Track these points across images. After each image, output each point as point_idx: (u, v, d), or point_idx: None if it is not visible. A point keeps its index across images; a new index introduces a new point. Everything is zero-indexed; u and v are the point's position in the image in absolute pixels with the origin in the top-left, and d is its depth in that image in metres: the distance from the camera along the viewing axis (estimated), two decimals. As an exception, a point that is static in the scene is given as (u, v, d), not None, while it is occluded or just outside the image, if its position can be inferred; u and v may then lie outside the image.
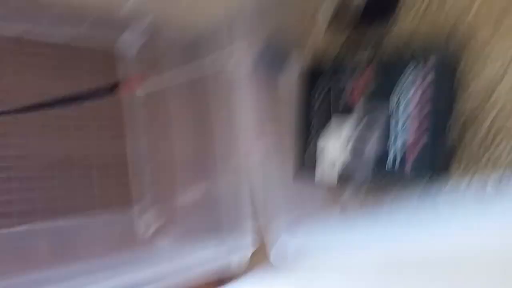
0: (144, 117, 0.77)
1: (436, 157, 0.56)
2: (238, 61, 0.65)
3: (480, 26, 0.56)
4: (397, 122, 0.57)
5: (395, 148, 0.58)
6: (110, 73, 0.74)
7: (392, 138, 0.58)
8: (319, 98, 0.67)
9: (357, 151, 0.62)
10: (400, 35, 0.62)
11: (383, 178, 0.59)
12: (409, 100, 0.56)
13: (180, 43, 0.73)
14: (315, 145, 0.67)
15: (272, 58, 0.71)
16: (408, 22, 0.62)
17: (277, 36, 0.72)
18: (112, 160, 0.74)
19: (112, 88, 0.68)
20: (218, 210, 0.67)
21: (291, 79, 0.71)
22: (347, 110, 0.63)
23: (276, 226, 0.64)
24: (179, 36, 0.74)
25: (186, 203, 0.72)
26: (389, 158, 0.58)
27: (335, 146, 0.64)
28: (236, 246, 0.64)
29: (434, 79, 0.55)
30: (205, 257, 0.63)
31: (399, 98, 0.57)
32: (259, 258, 0.65)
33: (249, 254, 0.64)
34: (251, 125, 0.66)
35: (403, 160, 0.57)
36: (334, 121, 0.64)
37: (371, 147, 0.60)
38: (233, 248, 0.64)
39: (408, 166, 0.56)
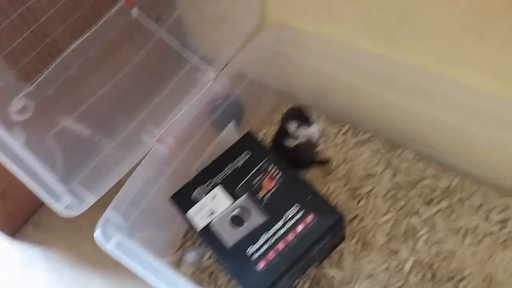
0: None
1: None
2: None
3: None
4: (278, 229, 0.69)
5: (262, 244, 0.69)
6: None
7: (264, 237, 0.69)
8: (244, 161, 0.77)
9: (235, 222, 0.71)
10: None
11: (231, 259, 0.69)
12: (292, 226, 0.69)
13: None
14: (209, 187, 0.75)
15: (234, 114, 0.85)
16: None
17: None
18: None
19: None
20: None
21: (232, 135, 0.83)
22: (252, 191, 0.73)
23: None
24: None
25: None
26: (253, 246, 0.68)
27: (223, 203, 0.73)
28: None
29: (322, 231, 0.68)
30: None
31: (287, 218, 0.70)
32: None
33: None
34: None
35: (262, 256, 0.67)
36: (240, 189, 0.74)
37: (245, 230, 0.70)
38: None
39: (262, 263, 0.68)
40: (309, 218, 0.69)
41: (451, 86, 0.70)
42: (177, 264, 0.82)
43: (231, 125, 0.86)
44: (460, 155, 0.80)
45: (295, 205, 0.70)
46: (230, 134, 0.87)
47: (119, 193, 0.68)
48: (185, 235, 0.85)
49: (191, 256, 0.82)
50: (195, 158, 0.81)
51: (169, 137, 0.73)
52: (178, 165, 0.76)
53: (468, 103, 0.69)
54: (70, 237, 0.94)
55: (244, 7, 0.82)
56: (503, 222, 0.76)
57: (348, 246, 0.77)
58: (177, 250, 0.83)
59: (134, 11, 0.75)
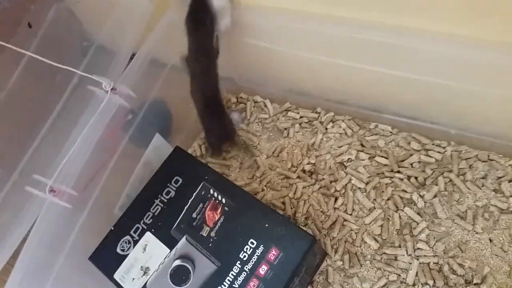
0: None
1: None
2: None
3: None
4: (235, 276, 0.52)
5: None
6: None
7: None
8: (176, 189, 0.60)
9: (177, 277, 0.53)
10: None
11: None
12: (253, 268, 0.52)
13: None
14: (136, 235, 0.58)
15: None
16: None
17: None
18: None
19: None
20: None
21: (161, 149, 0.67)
22: (192, 230, 0.55)
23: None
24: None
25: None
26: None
27: (159, 254, 0.55)
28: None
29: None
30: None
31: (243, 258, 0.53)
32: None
33: None
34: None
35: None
36: (176, 230, 0.56)
37: (193, 285, 0.53)
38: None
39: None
40: (272, 253, 0.52)
41: (416, 35, 0.52)
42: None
43: (156, 138, 0.67)
44: (447, 117, 0.62)
45: (250, 240, 0.52)
46: (159, 149, 0.68)
47: (9, 279, 0.49)
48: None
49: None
50: (116, 194, 0.62)
51: (64, 183, 0.53)
52: (92, 212, 0.58)
53: (442, 52, 0.51)
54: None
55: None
56: (519, 190, 0.60)
57: (332, 263, 0.61)
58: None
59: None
